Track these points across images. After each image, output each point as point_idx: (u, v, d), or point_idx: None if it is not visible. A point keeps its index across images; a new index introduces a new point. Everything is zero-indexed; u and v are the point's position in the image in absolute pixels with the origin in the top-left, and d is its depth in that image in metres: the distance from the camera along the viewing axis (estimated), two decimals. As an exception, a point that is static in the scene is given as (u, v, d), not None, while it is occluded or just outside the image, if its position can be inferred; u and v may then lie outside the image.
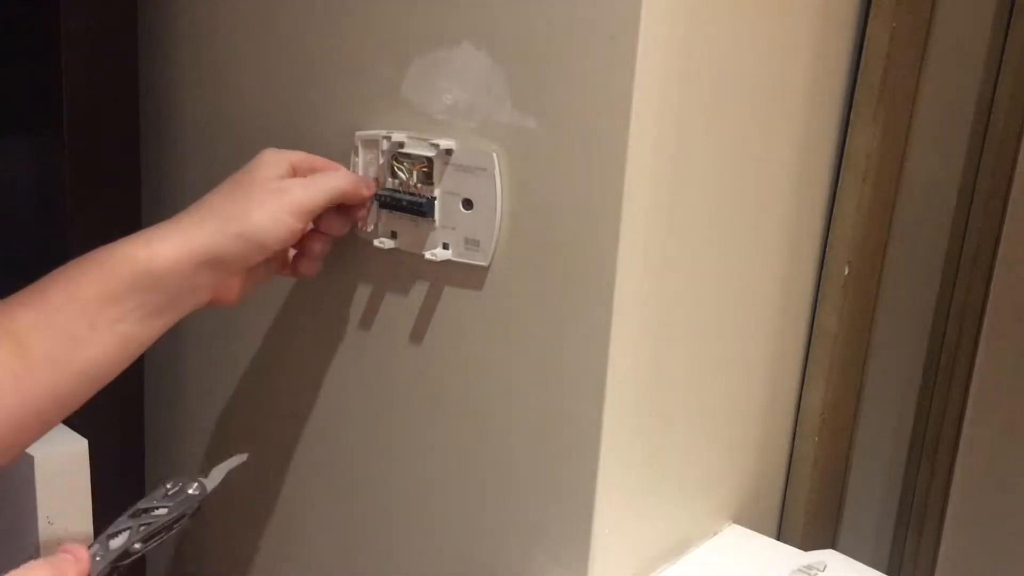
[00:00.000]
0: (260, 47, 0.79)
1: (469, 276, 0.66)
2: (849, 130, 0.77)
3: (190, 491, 0.62)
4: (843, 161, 0.78)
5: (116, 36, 0.87)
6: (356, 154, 0.70)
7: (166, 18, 0.86)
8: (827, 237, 0.80)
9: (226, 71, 0.83)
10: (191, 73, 0.86)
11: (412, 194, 0.66)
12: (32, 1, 0.83)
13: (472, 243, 0.65)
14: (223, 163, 0.84)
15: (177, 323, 0.64)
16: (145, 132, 0.90)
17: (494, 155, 0.63)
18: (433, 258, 0.66)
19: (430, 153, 0.65)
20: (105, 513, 0.89)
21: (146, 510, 0.60)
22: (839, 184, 0.78)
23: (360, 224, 0.70)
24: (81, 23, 0.82)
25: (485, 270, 0.65)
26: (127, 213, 0.90)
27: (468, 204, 0.65)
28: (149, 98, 0.89)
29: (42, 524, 0.80)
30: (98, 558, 0.56)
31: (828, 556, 0.74)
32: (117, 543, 0.57)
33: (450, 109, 0.65)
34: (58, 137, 0.84)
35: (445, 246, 0.66)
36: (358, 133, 0.69)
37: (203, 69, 0.85)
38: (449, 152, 0.64)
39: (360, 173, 0.70)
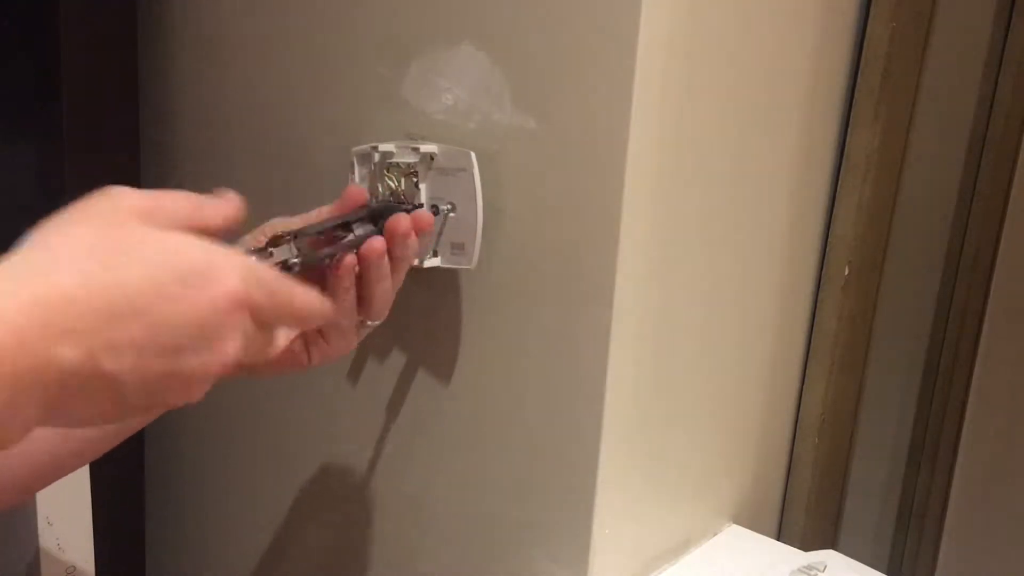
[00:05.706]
0: (259, 47, 0.79)
1: (460, 281, 0.66)
2: (849, 130, 0.77)
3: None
4: (843, 161, 0.78)
5: (116, 36, 0.87)
6: (353, 170, 0.68)
7: (166, 19, 0.86)
8: (827, 237, 0.80)
9: (225, 72, 0.83)
10: (191, 74, 0.86)
11: (400, 203, 0.64)
12: (32, 1, 0.83)
13: (457, 247, 0.63)
14: (222, 164, 0.84)
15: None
16: (145, 133, 0.90)
17: (472, 155, 0.61)
18: (420, 265, 0.63)
19: (415, 159, 0.63)
20: (105, 513, 0.89)
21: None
22: (839, 184, 0.78)
23: None
24: (81, 23, 0.82)
25: (474, 274, 0.64)
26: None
27: (455, 208, 0.63)
28: (149, 99, 0.89)
29: (42, 524, 0.80)
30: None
31: (828, 556, 0.74)
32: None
33: (450, 109, 0.65)
34: (58, 137, 0.84)
35: (435, 252, 0.64)
36: (354, 149, 0.68)
37: (203, 70, 0.85)
38: (432, 157, 0.63)
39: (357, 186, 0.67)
